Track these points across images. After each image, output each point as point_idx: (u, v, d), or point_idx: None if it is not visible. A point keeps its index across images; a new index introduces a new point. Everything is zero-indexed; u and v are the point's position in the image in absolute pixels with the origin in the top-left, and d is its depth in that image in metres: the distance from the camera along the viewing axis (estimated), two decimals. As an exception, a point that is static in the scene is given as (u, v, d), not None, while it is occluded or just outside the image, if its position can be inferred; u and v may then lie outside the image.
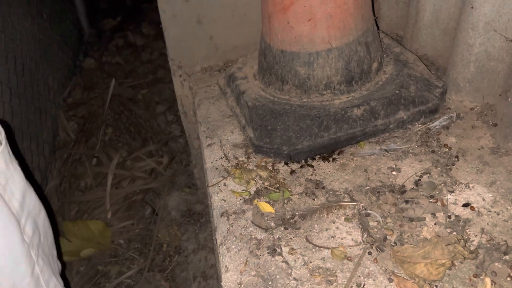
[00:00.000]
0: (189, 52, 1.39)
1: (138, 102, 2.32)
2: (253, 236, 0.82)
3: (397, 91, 1.01)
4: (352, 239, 0.78)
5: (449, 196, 0.83)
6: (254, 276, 0.75)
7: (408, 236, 0.77)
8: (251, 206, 0.88)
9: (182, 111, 1.55)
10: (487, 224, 0.77)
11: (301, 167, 0.97)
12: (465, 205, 0.81)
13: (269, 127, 1.00)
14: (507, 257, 0.71)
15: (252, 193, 0.91)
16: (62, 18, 2.50)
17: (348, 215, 0.83)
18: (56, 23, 2.36)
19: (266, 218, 0.85)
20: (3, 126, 0.91)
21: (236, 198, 0.91)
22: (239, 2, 1.31)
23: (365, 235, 0.78)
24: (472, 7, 0.94)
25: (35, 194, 0.95)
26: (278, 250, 0.79)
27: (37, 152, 1.77)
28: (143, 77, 2.53)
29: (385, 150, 0.96)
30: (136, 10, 3.27)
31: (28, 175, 0.95)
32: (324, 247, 0.78)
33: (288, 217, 0.85)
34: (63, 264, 1.12)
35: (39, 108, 1.89)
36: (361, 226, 0.80)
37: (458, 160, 0.90)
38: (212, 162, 1.03)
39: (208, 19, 1.34)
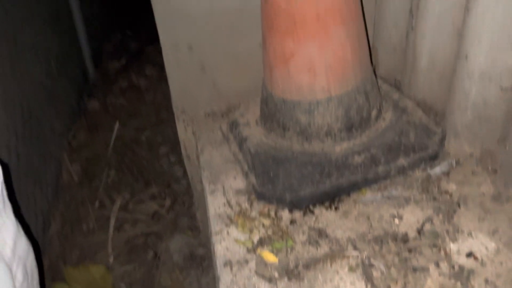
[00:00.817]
0: (192, 98, 1.42)
1: (141, 144, 2.34)
2: (256, 287, 0.82)
3: (397, 138, 1.03)
4: (356, 290, 0.78)
5: (452, 245, 0.83)
6: (258, 330, 0.74)
7: (412, 286, 0.77)
8: (254, 256, 0.88)
9: (185, 154, 1.57)
10: (491, 274, 0.77)
11: (304, 214, 0.97)
12: (469, 254, 0.81)
13: (271, 174, 1.02)
14: (513, 309, 0.71)
15: (255, 242, 0.92)
16: (68, 61, 2.56)
17: (351, 265, 0.83)
18: (63, 67, 2.42)
19: (269, 268, 0.85)
20: (3, 168, 0.92)
21: (239, 247, 0.91)
22: (241, 50, 1.36)
23: (369, 286, 0.78)
24: (466, 57, 0.97)
25: (25, 236, 0.96)
26: (282, 301, 0.78)
27: (41, 196, 1.78)
28: (147, 118, 2.57)
29: (387, 197, 0.97)
30: (140, 53, 3.35)
31: (17, 214, 0.96)
32: (328, 299, 0.77)
33: (292, 267, 0.84)
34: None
35: (44, 151, 1.91)
36: (365, 277, 0.80)
37: (459, 208, 0.91)
38: (215, 209, 1.04)
39: (211, 66, 1.38)
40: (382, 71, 1.43)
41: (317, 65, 0.97)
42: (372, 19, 1.40)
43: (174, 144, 2.31)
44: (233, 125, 1.22)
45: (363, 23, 1.03)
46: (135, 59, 3.28)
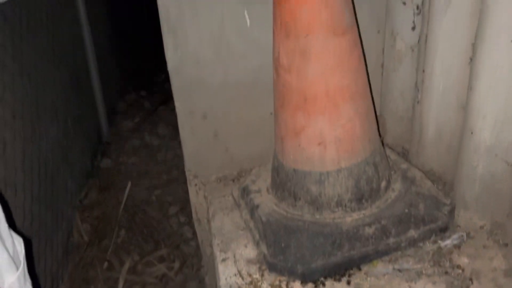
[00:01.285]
0: (205, 163, 1.46)
1: (151, 203, 2.36)
2: None
3: (407, 210, 1.04)
4: None
5: (466, 324, 0.82)
6: None
7: None
8: (265, 330, 0.88)
9: (196, 218, 1.58)
10: None
11: (316, 287, 0.97)
12: (484, 334, 0.80)
13: (283, 244, 1.03)
14: None
15: (266, 315, 0.91)
16: (84, 121, 2.65)
17: None
18: (79, 127, 2.50)
19: None
20: (25, 243, 0.95)
21: (251, 320, 0.91)
22: (253, 119, 1.41)
23: None
24: (471, 133, 1.00)
25: None
26: None
27: (51, 255, 1.78)
28: (158, 178, 2.61)
29: (398, 269, 0.97)
30: (153, 112, 3.45)
31: (32, 276, 0.96)
32: None
33: None
34: None
35: (56, 211, 1.94)
36: None
37: (472, 283, 0.90)
38: (226, 279, 1.04)
39: (224, 133, 1.43)
40: (390, 140, 1.47)
41: (327, 139, 1.01)
42: (379, 89, 1.46)
43: (184, 204, 2.33)
44: (245, 192, 1.24)
45: (370, 97, 1.08)
46: (148, 118, 3.37)
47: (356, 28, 1.00)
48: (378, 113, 1.48)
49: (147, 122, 3.32)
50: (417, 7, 1.24)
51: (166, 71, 1.32)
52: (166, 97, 3.45)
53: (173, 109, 1.42)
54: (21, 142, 1.63)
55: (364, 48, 1.34)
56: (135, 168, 2.74)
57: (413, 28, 1.26)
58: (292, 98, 1.01)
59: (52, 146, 1.98)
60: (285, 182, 1.11)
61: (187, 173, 1.50)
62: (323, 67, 0.96)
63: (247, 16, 1.30)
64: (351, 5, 0.98)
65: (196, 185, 1.51)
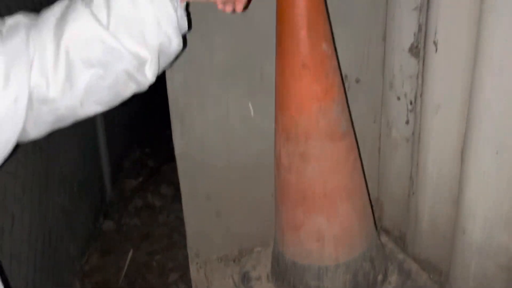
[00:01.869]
0: (207, 242, 1.50)
1: (152, 269, 2.37)
2: None
3: (403, 306, 1.07)
4: None
5: None
6: None
7: None
8: None
9: (196, 294, 1.60)
10: None
11: None
12: None
13: (281, 338, 1.05)
14: None
15: None
16: (89, 183, 2.70)
17: None
18: (83, 190, 2.55)
19: None
20: None
21: None
22: (255, 199, 1.46)
23: None
24: (464, 232, 1.05)
25: None
26: None
27: (48, 327, 1.78)
28: (159, 241, 2.62)
29: None
30: (156, 171, 3.51)
31: None
32: None
33: None
34: None
35: (57, 279, 1.95)
36: None
37: None
38: None
39: (226, 213, 1.47)
40: (387, 222, 1.51)
41: (325, 235, 1.06)
42: (377, 173, 1.52)
43: (184, 271, 2.33)
44: (245, 278, 1.28)
45: (367, 195, 1.14)
46: (151, 177, 3.43)
47: (352, 133, 1.07)
48: (375, 196, 1.53)
49: (150, 181, 3.37)
50: (411, 103, 1.32)
51: (170, 127, 1.38)
52: (169, 155, 3.53)
53: (175, 168, 1.47)
54: (29, 215, 1.68)
55: (361, 134, 1.42)
56: (137, 231, 2.76)
57: (407, 122, 1.33)
58: (292, 196, 1.07)
59: (57, 215, 2.02)
60: (284, 273, 1.15)
61: (188, 251, 1.53)
62: (321, 169, 1.02)
63: (251, 106, 1.38)
64: (347, 112, 1.06)
65: (197, 263, 1.53)
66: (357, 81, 1.39)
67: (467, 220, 1.04)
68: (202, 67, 1.31)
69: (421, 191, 1.24)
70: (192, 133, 1.38)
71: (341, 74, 1.09)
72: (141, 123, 4.17)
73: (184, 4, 0.77)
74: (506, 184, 0.97)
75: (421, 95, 1.21)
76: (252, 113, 1.39)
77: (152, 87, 0.81)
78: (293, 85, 0.98)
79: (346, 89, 1.38)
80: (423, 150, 1.21)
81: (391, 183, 1.45)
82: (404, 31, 1.27)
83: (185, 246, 1.61)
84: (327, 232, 1.05)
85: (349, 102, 1.34)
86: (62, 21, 0.68)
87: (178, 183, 1.49)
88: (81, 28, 0.68)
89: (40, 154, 1.84)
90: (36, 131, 0.73)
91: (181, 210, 1.85)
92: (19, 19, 0.70)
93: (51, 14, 0.70)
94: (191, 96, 1.34)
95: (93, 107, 0.75)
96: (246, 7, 0.80)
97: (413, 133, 1.33)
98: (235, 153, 1.42)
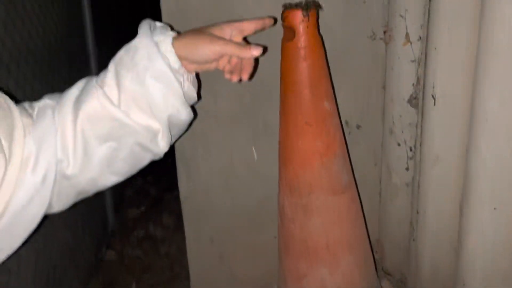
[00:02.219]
0: (210, 284, 1.52)
1: (154, 303, 2.37)
2: None
3: None
4: None
5: None
6: None
7: None
8: None
9: (198, 335, 1.60)
10: None
11: None
12: None
13: None
14: None
15: None
16: (92, 215, 2.72)
17: None
18: (87, 223, 2.57)
19: None
20: None
21: None
22: (257, 242, 1.48)
23: None
24: (463, 284, 1.07)
25: None
26: None
27: None
28: (160, 273, 2.63)
29: None
30: (158, 200, 3.53)
31: None
32: None
33: None
34: None
35: (59, 316, 1.95)
36: None
37: None
38: None
39: (229, 256, 1.49)
40: (388, 264, 1.53)
41: (328, 286, 1.08)
42: (378, 215, 1.55)
43: (186, 305, 2.34)
44: (248, 323, 1.29)
45: (368, 246, 1.17)
46: (153, 206, 3.44)
47: (353, 185, 1.10)
48: (376, 238, 1.56)
49: (152, 211, 3.39)
50: (410, 149, 1.36)
51: (173, 155, 1.41)
52: (171, 184, 3.55)
53: (177, 197, 1.49)
54: (34, 254, 1.69)
55: (362, 178, 1.45)
56: (139, 262, 2.77)
57: (407, 169, 1.36)
58: (295, 246, 1.09)
59: (61, 251, 2.04)
60: (287, 321, 1.16)
61: (192, 294, 1.55)
62: (324, 221, 1.05)
63: (254, 151, 1.42)
64: (348, 165, 1.09)
65: (200, 305, 1.55)
66: (358, 127, 1.43)
67: (467, 272, 1.06)
68: (207, 115, 1.36)
69: (422, 238, 1.26)
70: (197, 178, 1.42)
71: (341, 122, 1.13)
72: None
73: (191, 76, 0.81)
74: (504, 239, 1.00)
75: (420, 145, 1.24)
76: (255, 157, 1.42)
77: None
78: (296, 141, 1.02)
79: (348, 135, 1.42)
80: (422, 198, 1.24)
81: (392, 226, 1.48)
82: (403, 81, 1.31)
83: (186, 278, 1.63)
84: (329, 283, 1.07)
85: (351, 146, 1.38)
86: (78, 101, 0.73)
87: (180, 213, 1.52)
88: (95, 108, 0.72)
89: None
90: (60, 205, 0.77)
91: (182, 240, 1.87)
92: (45, 102, 0.75)
93: (70, 94, 0.75)
94: (196, 143, 1.38)
95: (112, 178, 0.79)
96: (251, 76, 0.84)
97: (413, 179, 1.36)
98: (239, 198, 1.45)
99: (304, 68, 0.97)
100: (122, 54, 0.76)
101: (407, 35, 1.29)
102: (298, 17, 0.95)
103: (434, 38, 1.12)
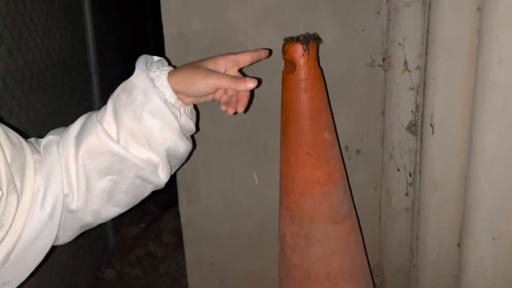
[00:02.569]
0: (211, 309, 1.52)
1: (153, 323, 2.35)
2: None
3: None
4: None
5: None
6: None
7: None
8: None
9: None
10: None
11: None
12: None
13: None
14: None
15: None
16: (92, 234, 2.72)
17: None
18: (87, 243, 2.57)
19: None
20: None
21: None
22: (258, 267, 1.49)
23: None
24: (464, 314, 1.07)
25: None
26: None
27: None
28: (160, 293, 2.62)
29: None
30: (158, 217, 3.53)
31: None
32: None
33: None
34: None
35: (59, 338, 1.95)
36: None
37: None
38: None
39: (230, 280, 1.50)
40: (389, 288, 1.53)
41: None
42: (378, 239, 1.55)
43: (186, 326, 2.32)
44: None
45: (369, 274, 1.17)
46: (153, 224, 3.44)
47: (354, 214, 1.11)
48: (377, 261, 1.56)
49: (151, 228, 3.39)
50: (410, 175, 1.37)
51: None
52: (171, 201, 3.55)
53: (177, 214, 1.50)
54: (35, 278, 1.69)
55: (362, 203, 1.46)
56: (138, 281, 2.76)
57: (407, 194, 1.38)
58: (296, 275, 1.10)
59: (61, 270, 2.04)
60: None
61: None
62: (325, 250, 1.06)
63: (255, 175, 1.43)
64: (349, 194, 1.10)
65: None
66: (358, 152, 1.45)
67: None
68: (208, 140, 1.37)
69: (422, 265, 1.26)
70: (198, 203, 1.43)
71: (340, 149, 1.14)
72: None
73: (189, 108, 0.83)
74: (503, 269, 1.01)
75: (419, 172, 1.25)
76: (256, 181, 1.43)
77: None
78: (297, 171, 1.03)
79: (348, 159, 1.43)
80: (422, 225, 1.25)
81: (392, 250, 1.48)
82: (402, 108, 1.33)
83: (186, 298, 1.63)
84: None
85: (351, 171, 1.40)
86: (79, 137, 0.75)
87: (180, 230, 1.52)
88: (95, 143, 0.74)
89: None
90: (65, 237, 0.79)
91: (182, 259, 1.87)
92: (50, 138, 0.77)
93: (72, 130, 0.77)
94: (198, 168, 1.39)
95: (115, 209, 0.80)
96: (247, 109, 0.85)
97: (412, 204, 1.37)
98: (240, 221, 1.46)
99: (304, 100, 0.99)
100: (120, 91, 0.79)
101: (405, 63, 1.31)
102: (298, 50, 0.97)
103: (432, 68, 1.14)
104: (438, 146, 1.16)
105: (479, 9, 1.01)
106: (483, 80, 0.95)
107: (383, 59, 1.38)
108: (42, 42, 1.91)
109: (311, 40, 0.98)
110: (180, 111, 0.80)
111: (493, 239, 0.99)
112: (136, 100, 0.76)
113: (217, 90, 0.82)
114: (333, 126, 1.06)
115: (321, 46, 1.32)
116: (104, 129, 0.75)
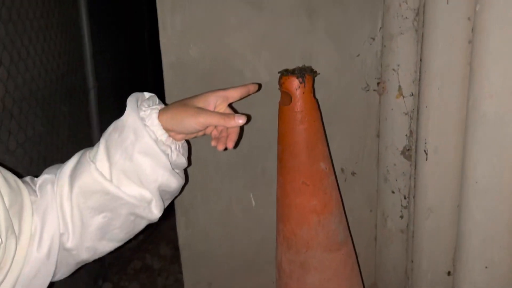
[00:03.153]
0: (208, 329, 1.53)
1: (150, 339, 2.36)
2: None
3: None
4: None
5: None
6: None
7: None
8: None
9: None
10: None
11: None
12: None
13: None
14: None
15: None
16: (90, 247, 2.72)
17: None
18: (84, 255, 2.57)
19: None
20: None
21: None
22: (256, 286, 1.50)
23: None
24: None
25: None
26: None
27: None
28: (157, 308, 2.62)
29: None
30: (155, 229, 3.53)
31: None
32: None
33: None
34: None
35: None
36: None
37: None
38: None
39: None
40: (385, 309, 1.55)
41: None
42: (374, 259, 1.57)
43: None
44: None
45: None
46: (150, 236, 3.44)
47: (350, 241, 1.13)
48: (372, 281, 1.58)
49: (149, 241, 3.39)
50: (405, 197, 1.39)
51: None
52: (167, 212, 3.57)
53: (174, 226, 1.51)
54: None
55: (358, 223, 1.48)
56: (136, 295, 2.76)
57: (401, 217, 1.40)
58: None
59: (57, 285, 2.04)
60: None
61: None
62: (321, 278, 1.08)
63: (252, 197, 1.45)
64: (345, 221, 1.12)
65: None
66: (353, 174, 1.47)
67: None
68: (206, 164, 1.39)
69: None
70: (195, 225, 1.44)
71: (334, 168, 1.16)
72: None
73: (180, 144, 0.84)
74: (496, 296, 1.03)
75: (414, 197, 1.27)
76: (253, 203, 1.45)
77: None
78: (293, 200, 1.05)
79: (343, 181, 1.45)
80: (417, 249, 1.27)
81: (387, 271, 1.50)
82: (397, 132, 1.36)
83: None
84: None
85: (346, 193, 1.42)
86: (73, 176, 0.77)
87: (177, 242, 1.53)
88: (88, 182, 0.76)
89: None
90: (62, 273, 0.80)
91: (180, 272, 1.88)
92: (45, 177, 0.78)
93: (66, 168, 0.78)
94: (195, 191, 1.41)
95: (110, 244, 0.82)
96: (236, 145, 0.87)
97: (407, 226, 1.39)
98: (237, 242, 1.47)
99: (301, 131, 1.01)
100: (111, 130, 0.81)
101: (400, 88, 1.33)
102: (294, 83, 0.99)
103: (425, 96, 1.16)
104: (431, 172, 1.19)
105: (470, 42, 1.04)
106: (475, 113, 0.98)
107: (378, 83, 1.41)
108: (41, 61, 1.93)
109: (307, 73, 1.00)
110: (171, 148, 0.82)
111: (486, 267, 1.01)
112: (127, 139, 0.78)
113: (207, 127, 0.84)
114: (328, 156, 1.08)
115: (317, 69, 1.35)
116: (96, 168, 0.76)
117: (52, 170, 0.80)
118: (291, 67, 1.27)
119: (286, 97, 1.01)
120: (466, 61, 1.05)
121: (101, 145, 0.79)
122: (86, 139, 2.58)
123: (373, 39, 1.37)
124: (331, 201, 1.06)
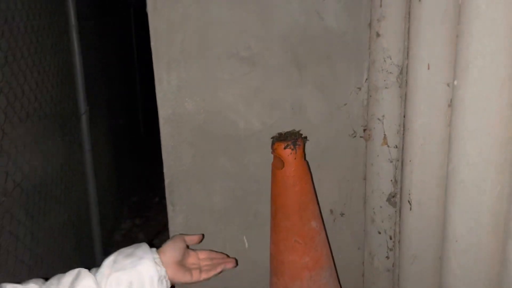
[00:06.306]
0: None
1: None
2: None
3: None
4: None
5: None
6: None
7: None
8: None
9: None
10: None
11: None
12: None
13: None
14: None
15: None
16: (81, 259, 2.73)
17: None
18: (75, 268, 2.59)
19: None
20: None
21: None
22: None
23: None
24: None
25: None
26: None
27: None
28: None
29: None
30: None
31: None
32: None
33: None
34: None
35: None
36: None
37: None
38: None
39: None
40: None
41: None
42: (361, 293, 1.65)
43: None
44: None
45: None
46: (142, 253, 3.48)
47: (339, 291, 1.20)
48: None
49: (141, 258, 3.42)
50: (390, 238, 1.47)
51: (160, 193, 1.49)
52: (159, 228, 3.61)
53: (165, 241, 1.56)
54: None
55: (346, 261, 1.56)
56: (129, 315, 2.80)
57: (387, 258, 1.47)
58: None
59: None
60: None
61: None
62: (313, 329, 1.14)
63: (245, 240, 1.51)
64: (335, 275, 1.20)
65: None
66: (342, 214, 1.54)
67: None
68: (201, 209, 1.45)
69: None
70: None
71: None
72: (132, 190, 4.25)
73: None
74: None
75: (399, 242, 1.35)
76: (246, 245, 1.51)
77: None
78: (287, 257, 1.11)
79: (333, 221, 1.53)
80: (403, 290, 1.35)
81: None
82: (382, 177, 1.43)
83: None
84: None
85: (335, 232, 1.49)
86: None
87: None
88: None
89: (31, 237, 1.89)
90: None
91: None
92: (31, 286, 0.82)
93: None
94: (189, 223, 1.46)
95: None
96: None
97: (393, 265, 1.46)
98: (231, 283, 1.53)
99: (293, 194, 1.07)
100: None
101: (385, 136, 1.40)
102: (286, 150, 1.05)
103: (409, 152, 1.23)
104: (415, 222, 1.26)
105: (449, 105, 1.11)
106: (454, 179, 1.05)
107: (364, 130, 1.48)
108: (35, 97, 1.96)
109: (298, 139, 1.06)
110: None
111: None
112: None
113: None
114: (319, 214, 1.14)
115: (306, 117, 1.42)
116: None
117: (39, 283, 0.84)
118: (282, 118, 1.34)
119: (278, 161, 1.08)
120: (446, 123, 1.12)
121: None
122: (79, 163, 2.62)
123: (359, 88, 1.44)
124: (322, 257, 1.13)
